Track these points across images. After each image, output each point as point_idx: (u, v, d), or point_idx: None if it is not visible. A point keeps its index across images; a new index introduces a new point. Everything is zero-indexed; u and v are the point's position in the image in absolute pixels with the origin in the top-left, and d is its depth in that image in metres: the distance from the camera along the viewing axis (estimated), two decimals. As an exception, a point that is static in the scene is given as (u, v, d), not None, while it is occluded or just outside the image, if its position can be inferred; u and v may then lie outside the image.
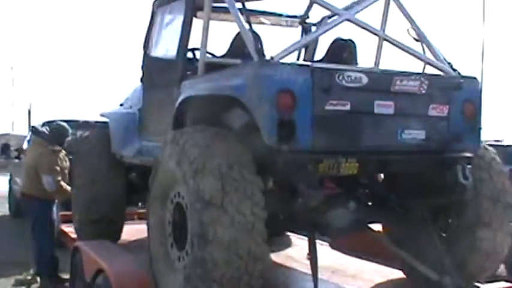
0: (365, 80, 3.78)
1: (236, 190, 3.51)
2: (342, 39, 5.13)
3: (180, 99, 4.33)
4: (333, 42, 5.13)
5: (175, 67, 4.72)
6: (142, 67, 5.48)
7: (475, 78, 4.29)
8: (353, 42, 5.16)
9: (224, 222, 3.45)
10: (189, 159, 3.65)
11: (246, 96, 3.66)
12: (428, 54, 4.45)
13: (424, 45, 4.46)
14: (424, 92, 3.98)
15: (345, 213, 4.18)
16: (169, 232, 4.13)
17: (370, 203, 4.51)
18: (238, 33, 4.81)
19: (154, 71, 5.26)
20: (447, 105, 4.07)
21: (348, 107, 3.75)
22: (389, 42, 4.43)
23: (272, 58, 3.75)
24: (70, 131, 7.55)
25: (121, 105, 6.47)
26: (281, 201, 3.96)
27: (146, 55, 5.42)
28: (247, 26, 4.01)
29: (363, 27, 4.32)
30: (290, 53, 3.93)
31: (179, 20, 4.80)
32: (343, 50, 5.12)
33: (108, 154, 5.87)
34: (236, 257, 3.47)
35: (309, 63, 4.16)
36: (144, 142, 5.42)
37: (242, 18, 4.07)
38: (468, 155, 4.14)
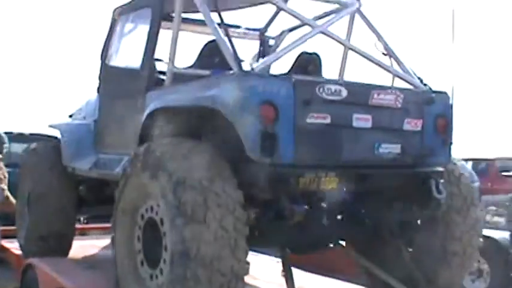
0: (344, 92, 3.75)
1: (218, 205, 3.37)
2: (308, 53, 5.11)
3: (148, 111, 4.15)
4: (299, 55, 5.09)
5: (139, 77, 4.52)
6: (99, 77, 5.26)
7: (445, 93, 4.33)
8: (318, 55, 5.14)
9: (207, 238, 3.30)
10: (168, 172, 3.49)
11: (226, 107, 3.55)
12: (397, 68, 4.48)
13: (392, 59, 4.47)
14: (399, 106, 3.99)
15: (318, 228, 4.11)
16: (138, 249, 3.95)
17: (340, 218, 4.46)
18: (207, 44, 4.72)
19: (114, 81, 5.05)
20: (421, 120, 4.09)
21: (328, 120, 3.69)
22: (358, 53, 4.42)
23: (253, 69, 3.67)
24: (6, 139, 7.27)
25: (70, 116, 6.20)
26: (257, 217, 3.84)
27: (104, 64, 5.19)
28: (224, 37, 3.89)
29: (336, 40, 4.31)
30: (269, 64, 3.86)
31: (144, 29, 4.63)
32: (309, 63, 5.09)
33: (58, 167, 5.59)
34: (219, 275, 3.33)
35: (290, 75, 4.10)
36: (101, 155, 5.16)
37: (219, 28, 3.95)
38: (440, 169, 4.17)
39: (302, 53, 5.08)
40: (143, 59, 4.53)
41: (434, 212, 4.16)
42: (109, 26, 5.18)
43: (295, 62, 5.09)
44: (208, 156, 3.58)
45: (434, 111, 4.16)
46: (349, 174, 3.84)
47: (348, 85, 3.87)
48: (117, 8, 5.10)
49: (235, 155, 3.59)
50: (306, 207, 3.69)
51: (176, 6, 4.25)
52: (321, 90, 3.66)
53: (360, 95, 3.85)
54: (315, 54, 5.14)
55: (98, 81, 5.29)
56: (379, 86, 3.99)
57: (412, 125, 4.06)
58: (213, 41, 4.31)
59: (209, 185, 3.40)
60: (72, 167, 5.44)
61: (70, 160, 5.47)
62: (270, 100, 3.50)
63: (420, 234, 4.51)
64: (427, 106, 4.12)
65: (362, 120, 3.84)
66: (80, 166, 5.30)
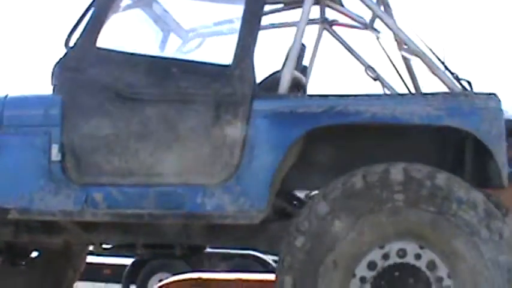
0: None
1: None
2: None
3: (303, 130, 3.43)
4: None
5: (229, 78, 3.55)
6: (73, 66, 3.71)
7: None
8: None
9: None
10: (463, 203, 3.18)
11: (485, 132, 3.30)
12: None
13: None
14: None
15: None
16: None
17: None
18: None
19: (136, 75, 3.69)
20: None
21: None
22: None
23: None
24: None
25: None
26: None
27: (96, 49, 3.74)
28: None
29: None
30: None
31: (229, 9, 4.14)
32: None
33: None
34: None
35: None
36: (93, 188, 3.65)
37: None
38: None
39: None
40: (239, 54, 3.59)
41: None
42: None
43: None
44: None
45: None
46: None
47: None
48: None
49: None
50: None
51: None
52: None
53: None
54: None
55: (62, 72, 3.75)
56: None
57: None
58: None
59: None
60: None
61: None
62: None
63: None
64: None
65: None
66: (40, 206, 3.68)
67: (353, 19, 4.33)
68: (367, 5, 3.83)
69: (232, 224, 3.55)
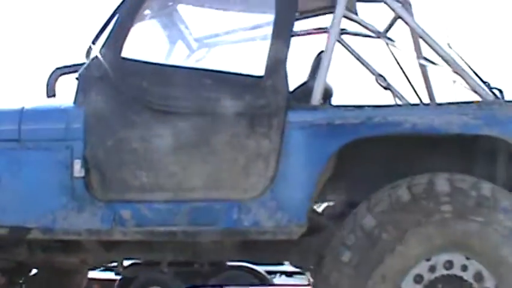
0: None
1: None
2: None
3: (342, 142, 3.34)
4: None
5: (261, 89, 3.44)
6: (100, 75, 3.57)
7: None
8: None
9: None
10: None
11: None
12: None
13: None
14: None
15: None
16: None
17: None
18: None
19: (167, 86, 3.55)
20: None
21: None
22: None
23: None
24: None
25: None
26: None
27: (122, 60, 3.58)
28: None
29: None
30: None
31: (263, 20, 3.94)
32: None
33: None
34: None
35: None
36: (121, 205, 3.49)
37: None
38: None
39: None
40: (272, 64, 3.48)
41: None
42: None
43: None
44: None
45: None
46: None
47: None
48: None
49: None
50: None
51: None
52: None
53: None
54: None
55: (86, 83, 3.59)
56: None
57: None
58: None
59: None
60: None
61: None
62: None
63: None
64: None
65: None
66: (64, 225, 3.50)
67: (367, 28, 4.29)
68: (401, 17, 3.77)
69: (269, 239, 3.45)
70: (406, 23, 3.82)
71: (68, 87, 4.88)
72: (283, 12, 3.54)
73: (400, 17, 3.80)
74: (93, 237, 3.54)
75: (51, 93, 4.29)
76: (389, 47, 4.48)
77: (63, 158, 3.53)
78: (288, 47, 3.53)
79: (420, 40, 4.06)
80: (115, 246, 3.78)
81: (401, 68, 4.58)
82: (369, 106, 3.48)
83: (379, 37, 4.40)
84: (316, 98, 3.53)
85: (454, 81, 3.78)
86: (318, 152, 3.37)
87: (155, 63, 3.61)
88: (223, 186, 3.46)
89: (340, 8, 3.63)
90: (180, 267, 7.10)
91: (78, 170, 3.50)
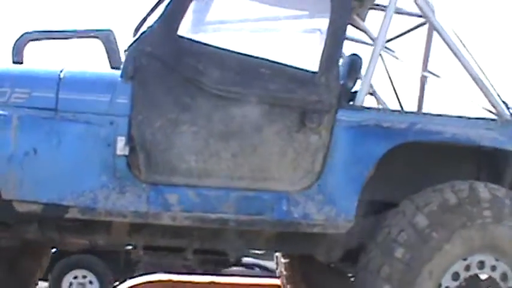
0: None
1: None
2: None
3: (392, 144, 3.49)
4: None
5: (315, 85, 3.47)
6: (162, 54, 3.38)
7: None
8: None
9: None
10: None
11: None
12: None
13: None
14: None
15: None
16: None
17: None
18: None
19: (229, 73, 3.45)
20: None
21: None
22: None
23: None
24: None
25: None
26: None
27: (193, 43, 3.47)
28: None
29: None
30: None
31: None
32: None
33: None
34: None
35: None
36: (169, 188, 3.37)
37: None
38: None
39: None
40: (325, 62, 3.51)
41: None
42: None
43: None
44: None
45: None
46: None
47: None
48: None
49: None
50: None
51: None
52: None
53: None
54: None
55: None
56: None
57: None
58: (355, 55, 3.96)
59: None
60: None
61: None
62: None
63: None
64: None
65: None
66: (106, 206, 3.32)
67: (370, 37, 4.39)
68: (436, 30, 3.93)
69: (310, 232, 3.51)
70: (441, 37, 3.99)
71: (38, 54, 4.54)
72: (339, 12, 3.60)
73: (435, 30, 3.98)
74: (139, 220, 3.36)
75: (17, 59, 4.02)
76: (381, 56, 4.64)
77: (105, 133, 3.33)
78: (341, 46, 3.61)
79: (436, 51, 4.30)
80: (139, 230, 3.64)
81: (389, 77, 4.79)
82: (407, 112, 3.66)
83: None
84: (361, 98, 3.65)
85: (472, 101, 4.04)
86: (367, 151, 3.50)
87: (213, 46, 3.48)
88: (270, 177, 3.46)
89: (388, 18, 3.75)
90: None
91: (121, 147, 3.31)
